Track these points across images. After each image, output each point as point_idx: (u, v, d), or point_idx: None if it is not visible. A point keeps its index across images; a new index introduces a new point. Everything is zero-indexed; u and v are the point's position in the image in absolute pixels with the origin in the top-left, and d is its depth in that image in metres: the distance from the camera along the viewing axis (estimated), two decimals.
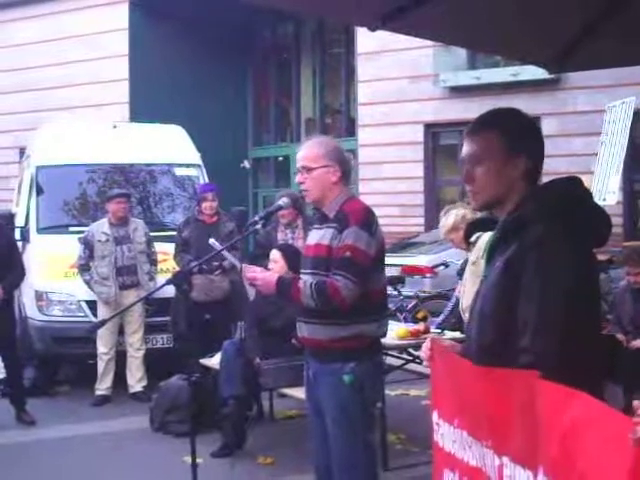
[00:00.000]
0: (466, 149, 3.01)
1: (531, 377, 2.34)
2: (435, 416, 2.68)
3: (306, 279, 4.62)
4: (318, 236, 4.69)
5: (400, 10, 3.82)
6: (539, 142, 3.03)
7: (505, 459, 2.32)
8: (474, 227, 5.36)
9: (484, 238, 5.90)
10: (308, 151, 4.71)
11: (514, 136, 2.94)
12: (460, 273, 7.52)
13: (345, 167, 4.72)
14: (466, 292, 6.37)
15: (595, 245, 3.11)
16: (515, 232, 2.84)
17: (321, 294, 4.50)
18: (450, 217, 6.64)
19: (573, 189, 2.96)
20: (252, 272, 4.86)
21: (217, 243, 5.30)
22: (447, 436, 2.57)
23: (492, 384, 2.46)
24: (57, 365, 10.18)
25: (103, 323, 5.75)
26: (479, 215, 5.96)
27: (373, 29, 4.02)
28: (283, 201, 5.29)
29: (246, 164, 22.36)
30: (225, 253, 5.31)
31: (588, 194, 2.98)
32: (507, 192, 2.94)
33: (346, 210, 4.61)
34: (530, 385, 2.30)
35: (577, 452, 2.04)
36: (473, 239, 6.26)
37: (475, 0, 3.87)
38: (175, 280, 4.95)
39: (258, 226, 4.97)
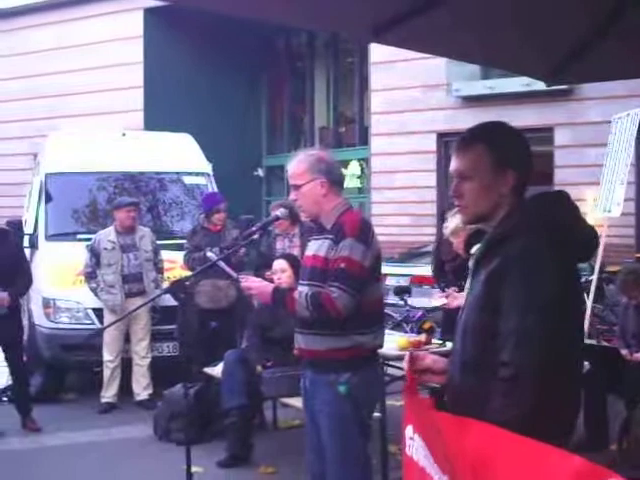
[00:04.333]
0: (454, 164, 3.00)
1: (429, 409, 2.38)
2: (410, 430, 2.67)
3: (302, 290, 4.65)
4: (315, 247, 4.72)
5: (392, 23, 3.81)
6: (527, 155, 3.02)
7: None
8: (475, 238, 5.34)
9: None
10: (293, 168, 4.75)
11: (502, 151, 2.93)
12: None
13: (332, 177, 4.72)
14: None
15: (579, 259, 3.10)
16: (499, 245, 2.84)
17: (316, 305, 4.52)
18: (454, 220, 6.63)
19: (559, 203, 2.94)
20: (248, 282, 4.91)
21: (214, 255, 5.33)
22: (420, 451, 2.56)
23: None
24: (64, 372, 10.19)
25: (102, 330, 5.76)
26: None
27: (365, 43, 4.02)
28: (281, 212, 5.33)
29: (259, 172, 22.40)
30: (221, 264, 5.33)
31: (573, 207, 2.96)
32: (495, 207, 2.93)
33: (342, 221, 4.63)
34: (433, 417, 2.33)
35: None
36: (473, 250, 6.24)
37: (470, 12, 3.85)
38: (172, 289, 4.97)
39: (256, 236, 5.00)
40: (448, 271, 8.28)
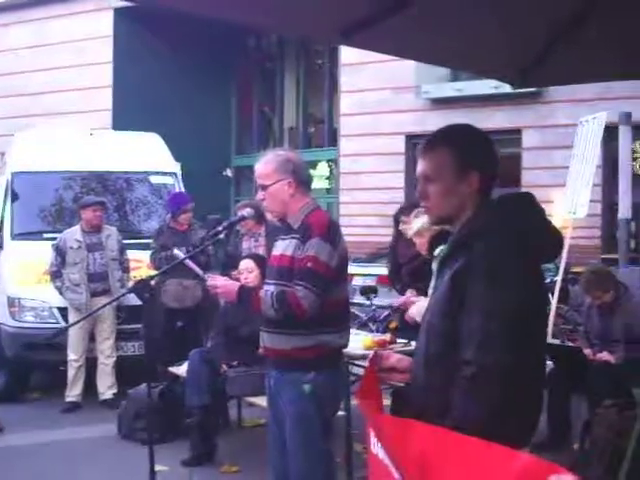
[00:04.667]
0: (420, 166, 3.02)
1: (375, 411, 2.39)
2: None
3: (267, 289, 4.66)
4: (283, 246, 4.74)
5: (361, 25, 3.81)
6: (492, 156, 3.03)
7: None
8: (438, 240, 5.39)
9: None
10: (260, 169, 4.76)
11: (466, 153, 2.94)
12: None
13: (300, 177, 4.74)
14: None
15: (544, 260, 3.12)
16: (465, 246, 2.86)
17: (282, 304, 4.53)
18: (418, 222, 6.64)
19: (524, 205, 2.97)
20: (214, 280, 4.92)
21: (181, 253, 5.32)
22: (380, 450, 2.57)
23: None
24: (28, 371, 10.12)
25: (66, 329, 5.73)
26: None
27: (333, 44, 4.02)
28: (247, 212, 5.34)
29: (228, 172, 22.36)
30: (188, 262, 5.33)
31: (539, 209, 2.98)
32: (460, 208, 2.95)
33: (309, 222, 4.65)
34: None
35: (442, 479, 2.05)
36: (436, 252, 6.26)
37: (438, 16, 3.85)
38: (136, 288, 4.95)
39: (222, 236, 5.00)
40: (404, 274, 8.28)
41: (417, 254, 7.93)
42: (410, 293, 7.73)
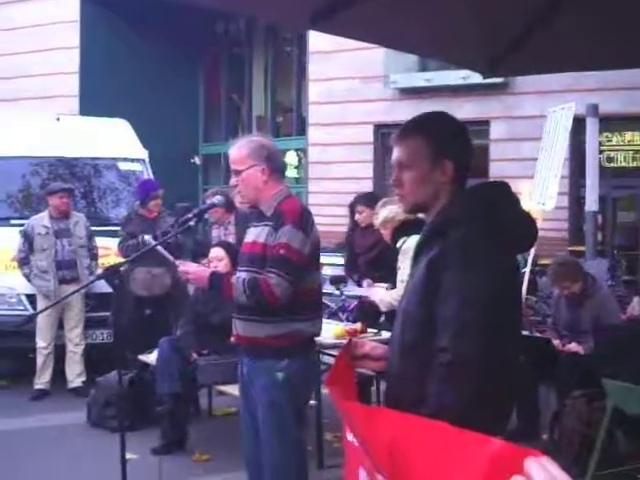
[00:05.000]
0: (395, 154, 3.02)
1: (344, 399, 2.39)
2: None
3: (239, 275, 4.65)
4: (255, 234, 4.73)
5: (330, 10, 3.79)
6: (467, 145, 3.05)
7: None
8: (401, 231, 5.41)
9: (409, 243, 5.94)
10: (234, 153, 4.74)
11: (440, 141, 2.95)
12: None
13: (274, 164, 4.73)
14: (392, 295, 6.40)
15: (519, 250, 3.14)
16: (440, 233, 2.86)
17: (253, 290, 4.53)
18: (382, 213, 6.66)
19: (499, 193, 2.98)
20: (185, 266, 4.91)
21: (151, 239, 5.30)
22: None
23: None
24: None
25: (33, 317, 5.69)
26: (410, 216, 6.02)
27: (301, 30, 4.01)
28: (217, 199, 5.33)
29: (196, 160, 22.28)
30: (159, 249, 5.31)
31: (514, 199, 3.00)
32: (434, 196, 2.95)
33: (282, 209, 4.64)
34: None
35: (410, 467, 2.04)
36: (399, 244, 6.29)
37: (408, 1, 3.86)
38: (106, 275, 4.93)
39: (191, 223, 4.97)
40: (361, 263, 8.31)
41: (374, 244, 7.98)
42: (366, 283, 7.77)
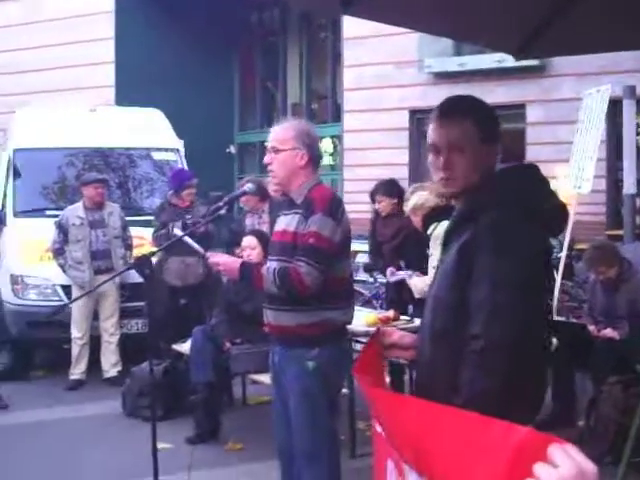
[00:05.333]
0: (440, 135, 2.91)
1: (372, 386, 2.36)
2: None
3: (270, 265, 4.62)
4: (285, 222, 4.70)
5: None
6: (500, 130, 3.01)
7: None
8: (431, 217, 5.35)
9: (439, 229, 5.89)
10: (278, 132, 4.69)
11: (486, 124, 2.92)
12: None
13: (314, 152, 4.69)
14: (425, 281, 6.36)
15: (550, 233, 3.09)
16: (471, 218, 2.82)
17: (284, 280, 4.50)
18: (413, 199, 6.61)
19: (529, 176, 2.95)
20: (215, 257, 4.89)
21: (180, 231, 5.29)
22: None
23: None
24: (32, 349, 10.13)
25: (66, 305, 5.70)
26: (440, 202, 5.95)
27: (334, 15, 3.98)
28: (248, 187, 5.30)
29: (232, 149, 22.29)
30: (187, 239, 5.29)
31: (545, 182, 2.96)
32: (480, 179, 2.89)
33: (312, 196, 4.60)
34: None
35: (435, 455, 2.03)
36: (430, 230, 6.24)
37: None
38: (136, 265, 4.91)
39: (222, 211, 4.95)
40: (386, 251, 8.25)
41: (396, 232, 7.92)
42: (389, 271, 7.70)
